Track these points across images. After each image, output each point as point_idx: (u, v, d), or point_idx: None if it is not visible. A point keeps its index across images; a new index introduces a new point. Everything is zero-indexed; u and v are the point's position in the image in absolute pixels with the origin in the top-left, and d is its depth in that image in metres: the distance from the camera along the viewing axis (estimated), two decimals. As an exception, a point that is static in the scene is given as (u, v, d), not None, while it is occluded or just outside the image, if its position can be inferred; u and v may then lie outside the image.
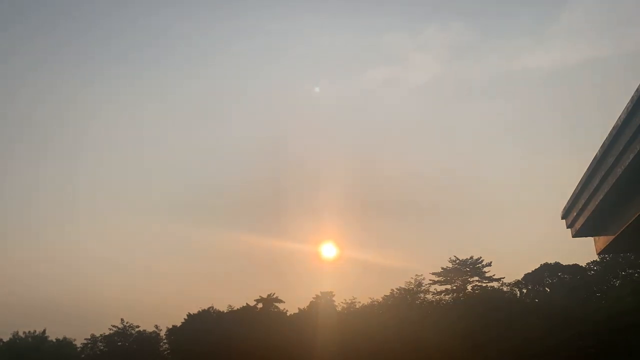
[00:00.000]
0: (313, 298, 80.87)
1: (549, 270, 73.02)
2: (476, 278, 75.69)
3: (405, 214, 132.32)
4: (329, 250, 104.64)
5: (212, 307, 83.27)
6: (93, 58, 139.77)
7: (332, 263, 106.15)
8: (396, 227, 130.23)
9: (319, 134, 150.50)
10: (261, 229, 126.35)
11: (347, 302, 79.66)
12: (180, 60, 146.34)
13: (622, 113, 5.79)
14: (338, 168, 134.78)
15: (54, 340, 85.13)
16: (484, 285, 75.04)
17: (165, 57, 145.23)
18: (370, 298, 79.13)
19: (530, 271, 74.04)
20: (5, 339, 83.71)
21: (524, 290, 74.73)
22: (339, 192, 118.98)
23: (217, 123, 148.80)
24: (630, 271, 67.68)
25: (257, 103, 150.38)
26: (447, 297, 76.42)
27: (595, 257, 64.85)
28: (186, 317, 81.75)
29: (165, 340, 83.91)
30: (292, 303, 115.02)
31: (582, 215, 8.02)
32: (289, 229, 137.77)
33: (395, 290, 78.11)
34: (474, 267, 75.70)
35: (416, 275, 77.89)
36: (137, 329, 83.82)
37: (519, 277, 74.67)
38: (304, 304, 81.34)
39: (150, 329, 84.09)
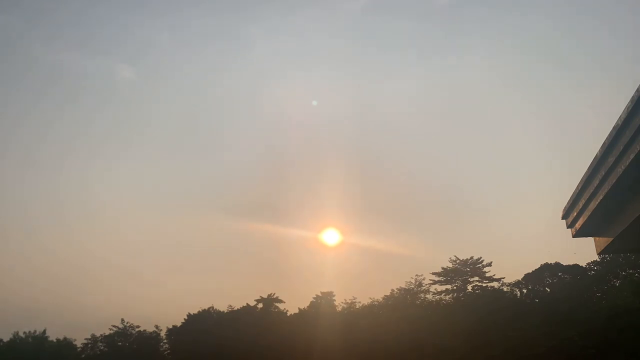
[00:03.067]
0: (313, 298, 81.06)
1: (549, 270, 72.96)
2: (476, 278, 75.80)
3: (408, 211, 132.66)
4: (331, 237, 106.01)
5: (212, 307, 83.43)
6: (93, 56, 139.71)
7: (335, 249, 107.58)
8: (398, 221, 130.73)
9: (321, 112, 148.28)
10: (264, 218, 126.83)
11: (347, 302, 79.80)
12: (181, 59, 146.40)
13: (622, 113, 5.78)
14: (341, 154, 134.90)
15: (55, 340, 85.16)
16: (484, 285, 75.11)
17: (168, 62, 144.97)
18: (370, 298, 79.37)
19: (530, 271, 74.04)
20: (6, 339, 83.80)
21: (524, 290, 74.69)
22: (343, 179, 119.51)
23: (214, 112, 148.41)
24: (631, 271, 67.63)
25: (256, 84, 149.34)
26: (447, 297, 76.56)
27: (596, 257, 64.87)
28: (186, 317, 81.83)
29: (165, 341, 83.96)
30: (293, 300, 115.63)
31: (583, 215, 8.02)
32: (292, 216, 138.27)
33: (396, 290, 78.29)
34: (474, 267, 75.79)
35: (416, 275, 78.14)
36: (137, 329, 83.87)
37: (519, 277, 74.74)
38: (304, 304, 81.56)
39: (150, 329, 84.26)
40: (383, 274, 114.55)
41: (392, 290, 78.44)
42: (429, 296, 77.82)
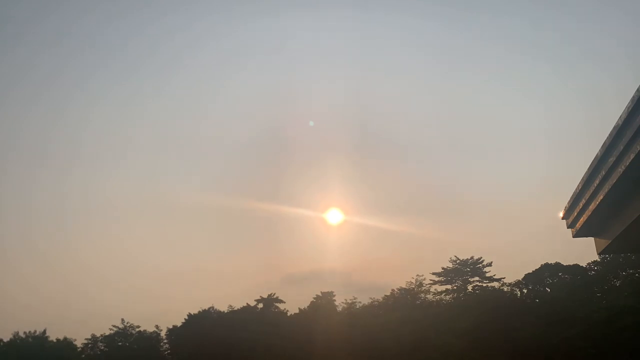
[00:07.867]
0: (313, 298, 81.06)
1: (549, 270, 72.97)
2: (477, 278, 75.84)
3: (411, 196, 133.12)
4: (335, 216, 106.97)
5: (212, 307, 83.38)
6: (94, 53, 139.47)
7: (338, 229, 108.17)
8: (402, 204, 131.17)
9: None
10: (267, 198, 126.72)
11: (347, 302, 79.83)
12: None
13: (622, 113, 5.79)
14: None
15: (55, 340, 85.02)
16: (484, 285, 75.14)
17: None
18: (370, 298, 79.43)
19: (530, 271, 74.06)
20: (6, 339, 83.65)
21: (525, 290, 74.72)
22: (344, 161, 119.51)
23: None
24: (631, 271, 67.64)
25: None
26: (447, 297, 76.61)
27: (596, 257, 64.84)
28: (186, 317, 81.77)
29: (165, 341, 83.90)
30: (294, 300, 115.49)
31: (583, 215, 8.03)
32: (296, 196, 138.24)
33: (396, 290, 78.35)
34: (474, 267, 75.82)
35: (417, 275, 78.21)
36: (137, 329, 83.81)
37: (520, 277, 74.77)
38: (304, 304, 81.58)
39: (150, 329, 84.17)
40: (387, 254, 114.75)
41: (393, 290, 78.63)
42: (429, 296, 77.98)
